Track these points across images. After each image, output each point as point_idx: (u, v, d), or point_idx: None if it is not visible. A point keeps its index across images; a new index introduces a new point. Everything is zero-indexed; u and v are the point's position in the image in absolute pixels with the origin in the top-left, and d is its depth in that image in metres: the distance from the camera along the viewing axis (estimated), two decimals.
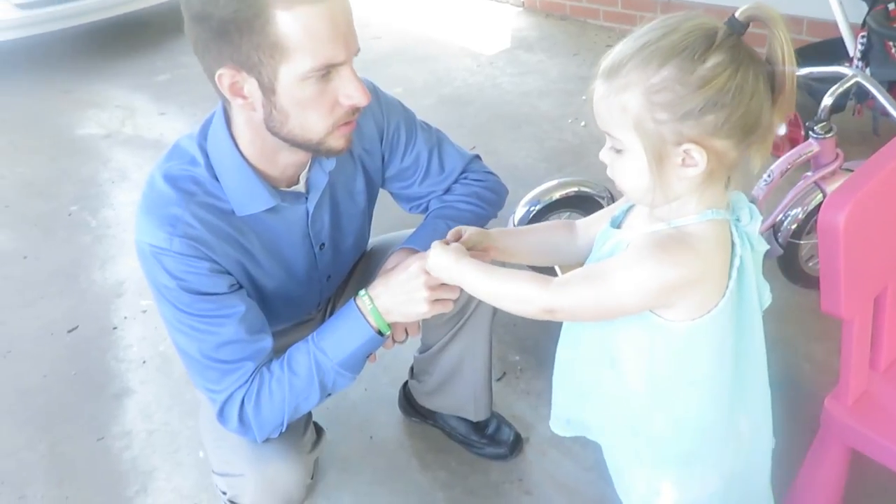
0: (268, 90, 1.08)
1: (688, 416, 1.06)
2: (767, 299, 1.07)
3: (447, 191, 1.47)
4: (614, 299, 0.96)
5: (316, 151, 1.19)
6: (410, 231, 1.45)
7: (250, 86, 1.09)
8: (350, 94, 1.11)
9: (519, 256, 1.28)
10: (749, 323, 1.03)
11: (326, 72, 1.08)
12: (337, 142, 1.17)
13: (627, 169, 0.94)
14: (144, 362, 2.24)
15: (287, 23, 1.03)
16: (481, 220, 1.46)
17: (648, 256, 0.93)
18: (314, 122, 1.12)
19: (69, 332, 2.40)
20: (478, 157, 1.54)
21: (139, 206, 1.18)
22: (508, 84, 3.76)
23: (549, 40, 4.24)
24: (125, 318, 2.44)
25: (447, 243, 1.16)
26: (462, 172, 1.48)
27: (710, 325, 0.97)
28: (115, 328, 2.40)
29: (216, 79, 1.09)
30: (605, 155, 0.97)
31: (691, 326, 0.96)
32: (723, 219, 0.95)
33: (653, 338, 1.00)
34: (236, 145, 1.18)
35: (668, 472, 1.12)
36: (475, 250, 1.19)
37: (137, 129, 3.77)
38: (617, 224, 1.08)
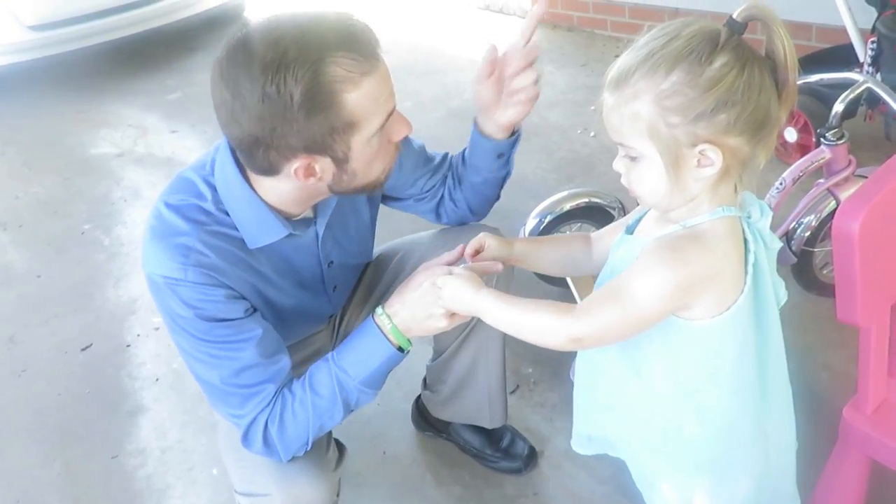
0: (341, 162, 1.12)
1: (717, 417, 1.06)
2: (783, 296, 1.07)
3: (446, 177, 1.48)
4: (638, 311, 0.96)
5: (371, 191, 1.23)
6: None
7: (323, 164, 1.11)
8: (399, 129, 1.17)
9: (538, 267, 1.30)
10: (767, 320, 1.03)
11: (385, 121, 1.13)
12: (385, 174, 1.22)
13: (644, 175, 0.95)
14: (158, 380, 2.24)
15: (356, 100, 1.06)
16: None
17: (660, 259, 0.94)
18: (376, 168, 1.18)
19: (83, 350, 2.41)
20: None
21: (147, 238, 1.18)
22: None
23: (556, 51, 4.25)
24: (138, 335, 2.45)
25: (463, 253, 1.17)
26: (444, 155, 1.50)
27: (731, 322, 0.97)
28: (128, 346, 2.41)
29: (292, 172, 1.11)
30: (619, 164, 0.98)
31: (712, 324, 0.97)
32: (734, 216, 0.97)
33: (676, 340, 1.00)
34: (249, 185, 1.18)
35: (701, 480, 1.11)
36: (496, 259, 1.20)
37: (149, 147, 3.80)
38: (631, 231, 1.09)
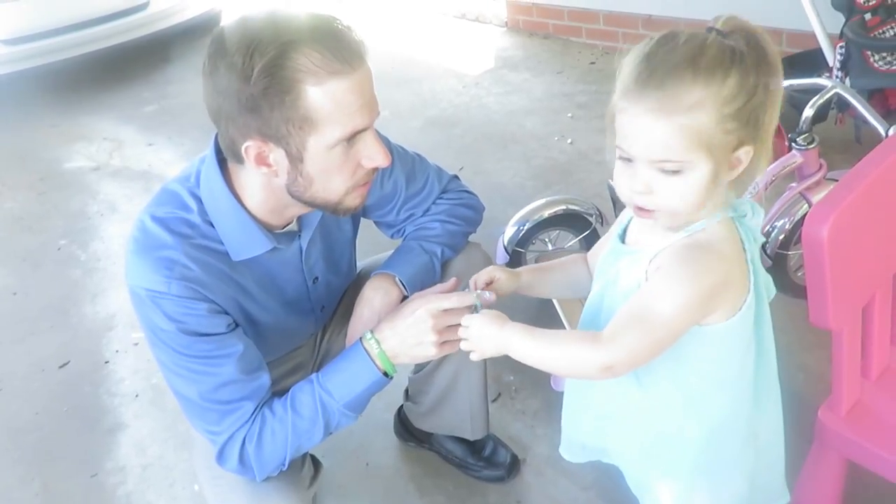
0: (295, 159, 1.10)
1: (720, 419, 1.08)
2: (772, 290, 1.09)
3: (425, 213, 1.48)
4: (665, 330, 0.95)
5: (333, 211, 1.21)
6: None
7: (277, 155, 1.10)
8: (373, 156, 1.14)
9: (544, 294, 1.30)
10: (763, 315, 1.05)
11: (351, 137, 1.10)
12: (353, 201, 1.19)
13: (680, 187, 0.92)
14: (137, 396, 2.22)
15: (318, 97, 1.05)
16: (456, 237, 1.47)
17: (682, 275, 0.94)
18: (337, 186, 1.15)
19: (61, 367, 2.38)
20: (456, 177, 1.55)
21: (130, 250, 1.17)
22: (494, 104, 3.79)
23: (533, 59, 4.28)
24: (117, 351, 2.42)
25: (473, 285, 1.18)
26: (441, 194, 1.49)
27: (739, 323, 0.99)
28: (106, 362, 2.38)
29: (242, 150, 1.10)
30: (641, 181, 0.93)
31: (724, 328, 0.98)
32: (730, 217, 0.98)
33: (687, 347, 1.00)
34: (235, 196, 1.18)
35: (699, 481, 1.12)
36: (502, 293, 1.20)
37: (125, 160, 3.77)
38: (622, 239, 1.09)
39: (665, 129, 0.89)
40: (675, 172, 0.91)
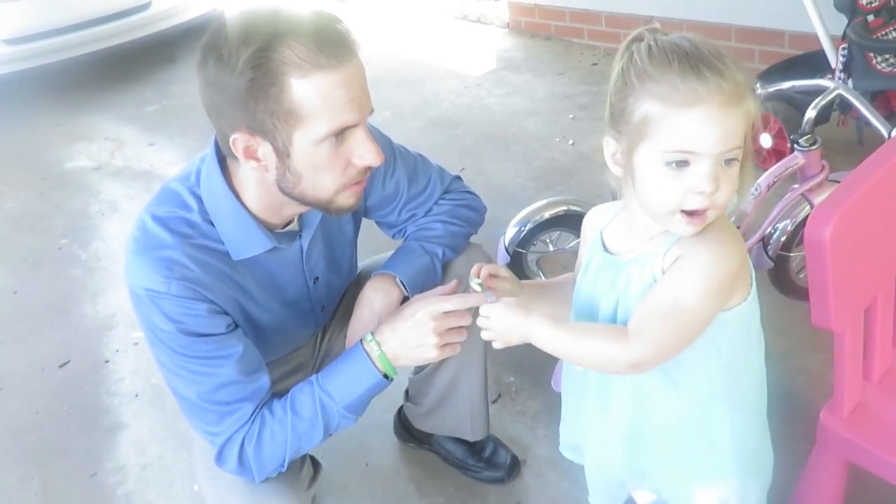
0: (282, 154, 1.09)
1: (751, 401, 1.09)
2: None
3: (427, 213, 1.48)
4: (693, 318, 0.95)
5: (325, 210, 1.20)
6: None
7: (264, 149, 1.10)
8: (363, 154, 1.13)
9: (547, 309, 1.29)
10: None
11: (340, 133, 1.09)
12: (346, 200, 1.18)
13: (734, 176, 0.93)
14: (137, 395, 2.22)
15: (302, 90, 1.04)
16: (457, 238, 1.47)
17: (704, 262, 0.95)
18: (326, 183, 1.14)
19: (61, 366, 2.38)
20: (458, 177, 1.54)
21: (130, 249, 1.16)
22: (496, 105, 3.78)
23: (534, 60, 4.28)
24: (117, 351, 2.42)
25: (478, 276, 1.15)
26: (443, 194, 1.49)
27: (755, 299, 1.02)
28: (106, 362, 2.38)
29: (230, 143, 1.09)
30: (712, 178, 0.90)
31: (744, 307, 1.00)
32: None
33: (713, 335, 1.00)
34: (235, 194, 1.18)
35: (744, 472, 1.12)
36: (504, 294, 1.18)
37: (127, 160, 3.77)
38: (607, 251, 1.08)
39: (738, 117, 0.90)
40: (732, 162, 0.92)
